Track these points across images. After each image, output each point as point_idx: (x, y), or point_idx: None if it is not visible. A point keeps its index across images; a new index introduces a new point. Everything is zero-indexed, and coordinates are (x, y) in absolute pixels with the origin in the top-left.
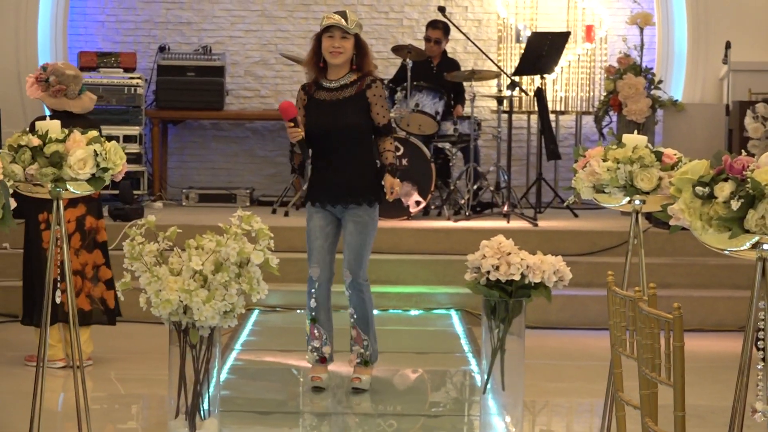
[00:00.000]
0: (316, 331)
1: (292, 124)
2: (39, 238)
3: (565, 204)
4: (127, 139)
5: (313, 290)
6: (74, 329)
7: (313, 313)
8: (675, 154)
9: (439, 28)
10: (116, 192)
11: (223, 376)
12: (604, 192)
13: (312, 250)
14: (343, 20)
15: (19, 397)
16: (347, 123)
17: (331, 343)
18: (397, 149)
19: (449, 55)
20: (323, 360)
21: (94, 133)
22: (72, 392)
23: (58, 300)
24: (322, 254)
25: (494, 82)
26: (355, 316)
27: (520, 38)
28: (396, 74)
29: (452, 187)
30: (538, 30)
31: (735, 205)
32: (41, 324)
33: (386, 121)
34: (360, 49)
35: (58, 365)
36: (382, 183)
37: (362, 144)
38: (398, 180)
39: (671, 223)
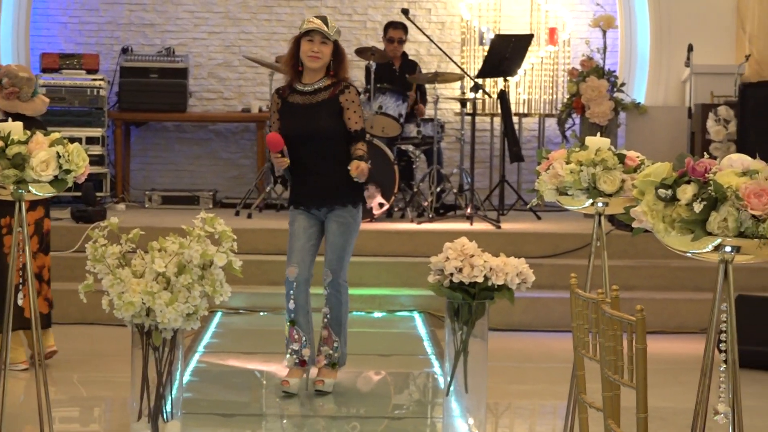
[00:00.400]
0: (295, 333)
1: (280, 155)
2: (0, 243)
3: (528, 206)
4: (90, 140)
5: (291, 291)
6: (36, 332)
7: (292, 315)
8: (638, 157)
9: (401, 28)
10: (79, 194)
11: (186, 378)
12: (567, 194)
13: (292, 250)
14: (324, 25)
15: None
16: (320, 126)
17: (311, 345)
18: None
19: (410, 57)
20: (303, 363)
21: (56, 135)
22: (34, 395)
23: (20, 302)
24: (302, 254)
25: (458, 84)
26: (329, 316)
27: (484, 41)
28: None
29: (415, 190)
30: (502, 32)
31: (697, 207)
32: (2, 329)
33: (359, 127)
34: (337, 55)
35: (21, 368)
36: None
37: (338, 147)
38: (366, 165)
39: (634, 225)
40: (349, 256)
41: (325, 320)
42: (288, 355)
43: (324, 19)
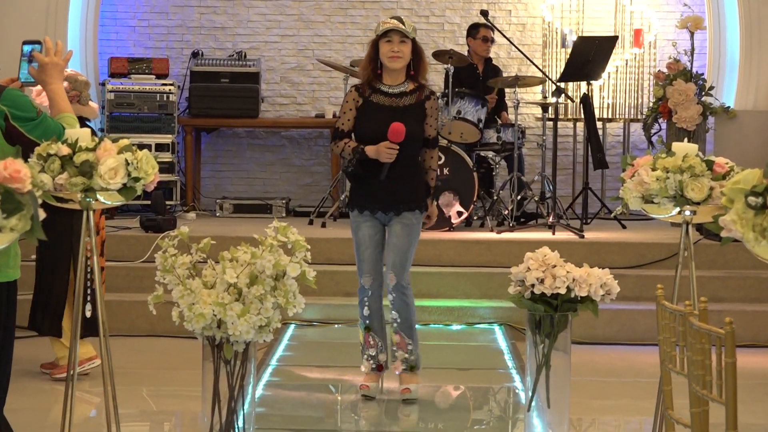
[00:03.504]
0: (371, 339)
1: (397, 147)
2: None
3: (612, 215)
4: (160, 147)
5: (365, 299)
6: (105, 341)
7: (367, 322)
8: (726, 163)
9: (490, 28)
10: (148, 202)
11: (259, 392)
12: (653, 202)
13: (363, 260)
14: (401, 24)
15: (38, 414)
16: (408, 130)
17: (386, 350)
18: (439, 158)
19: (493, 61)
20: (380, 368)
21: (125, 141)
22: (103, 409)
23: (88, 314)
24: (373, 263)
25: (539, 88)
26: (398, 320)
27: (566, 43)
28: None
29: (495, 197)
30: (585, 34)
31: None
32: (73, 335)
33: (435, 134)
34: (417, 54)
35: (96, 363)
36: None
37: (416, 152)
38: (436, 210)
39: (723, 234)
40: (411, 259)
41: (395, 325)
42: (365, 361)
43: (399, 19)
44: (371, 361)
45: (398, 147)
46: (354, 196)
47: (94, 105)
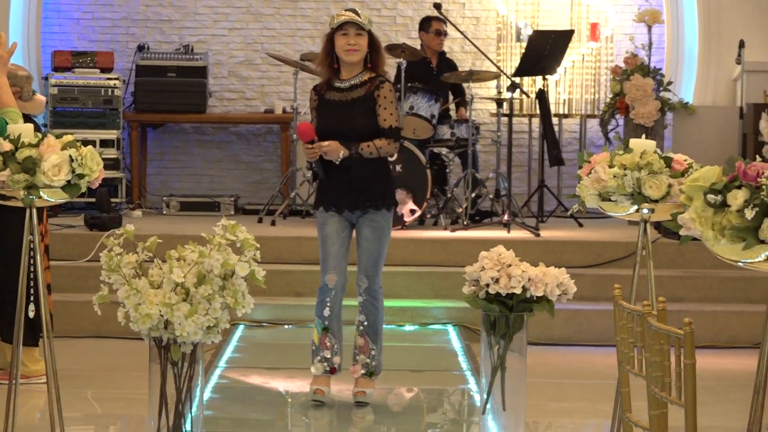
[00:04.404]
0: (327, 341)
1: (311, 146)
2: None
3: (568, 213)
4: (104, 143)
5: (327, 299)
6: (50, 343)
7: (326, 322)
8: (685, 160)
9: (443, 21)
10: (93, 200)
11: (207, 395)
12: (610, 200)
13: (328, 256)
14: (356, 16)
15: None
16: (355, 124)
17: (341, 353)
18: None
19: (447, 55)
20: (333, 371)
21: (69, 137)
22: (47, 413)
23: (31, 314)
24: (338, 260)
25: (493, 83)
26: (365, 324)
27: (521, 37)
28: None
29: (449, 195)
30: (540, 28)
31: (749, 214)
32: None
33: (387, 125)
34: (374, 46)
35: (43, 380)
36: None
37: None
38: (342, 149)
39: (681, 233)
40: (383, 261)
41: (361, 328)
42: (317, 363)
43: (354, 11)
44: (324, 363)
45: (312, 146)
46: (320, 194)
47: (41, 98)
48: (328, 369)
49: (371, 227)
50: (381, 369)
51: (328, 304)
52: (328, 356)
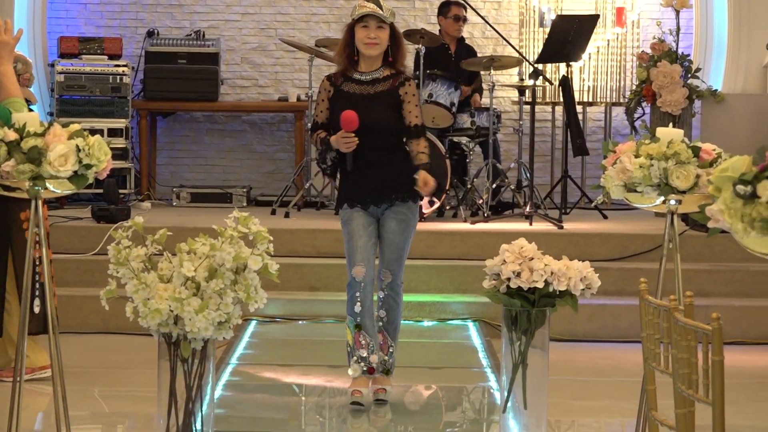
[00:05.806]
0: (362, 339)
1: (354, 135)
2: (22, 239)
3: (593, 204)
4: (112, 132)
5: (357, 294)
6: (55, 338)
7: (358, 319)
8: (714, 150)
9: (463, 6)
10: (100, 191)
11: (218, 392)
12: (635, 191)
13: (356, 249)
14: (378, 8)
15: None
16: (378, 118)
17: (378, 351)
18: None
19: (466, 41)
20: (371, 371)
21: (76, 126)
22: (52, 411)
23: (36, 309)
24: (366, 253)
25: (515, 70)
26: (385, 320)
27: (544, 22)
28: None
29: (469, 186)
30: (564, 13)
31: None
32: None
33: (418, 122)
34: (395, 40)
35: (48, 373)
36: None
37: (396, 140)
38: (432, 177)
39: (710, 225)
40: (406, 256)
41: (380, 324)
42: (354, 364)
43: (377, 2)
44: (362, 364)
45: (354, 136)
46: (342, 192)
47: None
48: (365, 369)
49: (396, 219)
50: (395, 366)
51: (359, 300)
52: (365, 355)
